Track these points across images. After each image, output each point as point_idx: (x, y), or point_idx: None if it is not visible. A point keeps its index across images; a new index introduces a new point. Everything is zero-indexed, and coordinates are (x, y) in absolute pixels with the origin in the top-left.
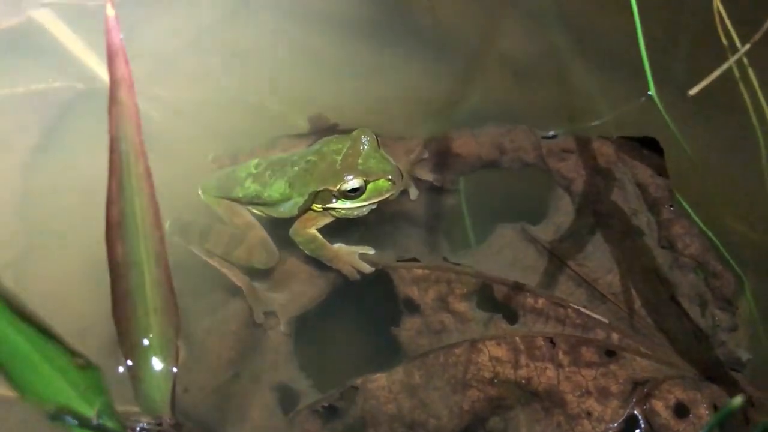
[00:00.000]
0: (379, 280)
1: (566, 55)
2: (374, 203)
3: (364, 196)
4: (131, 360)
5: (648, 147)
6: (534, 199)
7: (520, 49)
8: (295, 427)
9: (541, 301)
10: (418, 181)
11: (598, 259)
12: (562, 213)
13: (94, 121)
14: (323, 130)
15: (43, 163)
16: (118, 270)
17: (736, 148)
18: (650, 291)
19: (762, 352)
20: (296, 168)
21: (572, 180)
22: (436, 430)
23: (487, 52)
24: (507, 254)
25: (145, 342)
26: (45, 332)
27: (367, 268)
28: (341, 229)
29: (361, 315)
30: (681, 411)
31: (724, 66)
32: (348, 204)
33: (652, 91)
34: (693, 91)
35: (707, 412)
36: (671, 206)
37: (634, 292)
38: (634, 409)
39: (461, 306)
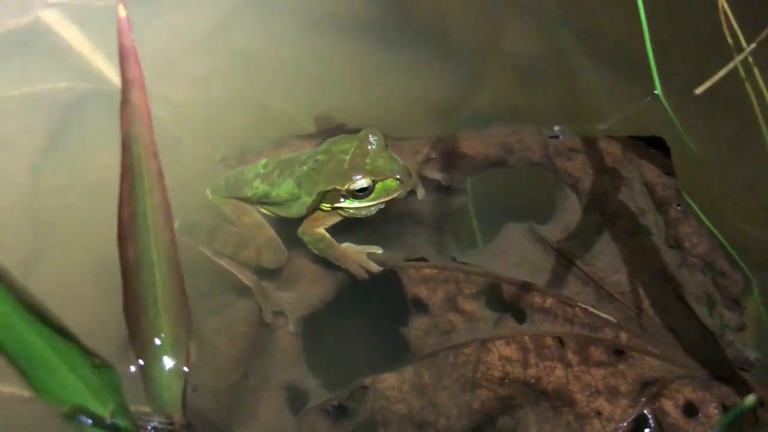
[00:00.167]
0: (388, 280)
1: (572, 55)
2: (382, 203)
3: (372, 196)
4: (142, 360)
5: (655, 146)
6: (541, 199)
7: (526, 50)
8: (305, 427)
9: (549, 301)
10: (425, 181)
11: (606, 259)
12: (570, 212)
13: (103, 121)
14: (330, 130)
15: (52, 164)
16: (129, 270)
17: (742, 147)
18: (658, 290)
19: None
20: (304, 168)
21: (579, 179)
22: (445, 429)
23: (494, 52)
24: (514, 254)
25: (157, 342)
26: (62, 332)
27: (376, 268)
28: (349, 228)
29: (370, 314)
30: (690, 410)
31: (730, 65)
32: (356, 203)
33: (658, 91)
34: (699, 91)
35: (716, 411)
36: (678, 205)
37: (641, 291)
38: (643, 409)
39: (470, 305)
